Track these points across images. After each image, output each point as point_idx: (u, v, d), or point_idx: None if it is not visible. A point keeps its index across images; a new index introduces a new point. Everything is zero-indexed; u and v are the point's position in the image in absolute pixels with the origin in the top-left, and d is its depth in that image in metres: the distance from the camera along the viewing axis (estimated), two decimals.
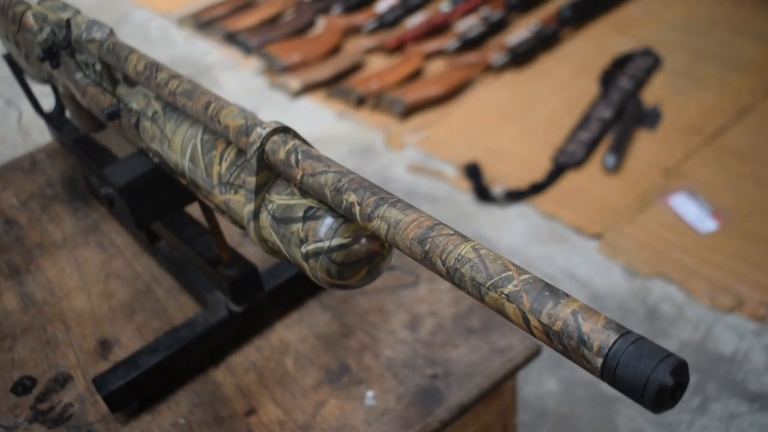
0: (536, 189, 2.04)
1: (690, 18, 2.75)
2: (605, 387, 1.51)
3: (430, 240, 0.43)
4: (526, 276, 0.40)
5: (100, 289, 1.01)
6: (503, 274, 0.40)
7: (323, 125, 2.41)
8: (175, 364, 0.86)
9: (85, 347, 0.93)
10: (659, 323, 1.63)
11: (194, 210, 0.86)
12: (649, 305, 1.67)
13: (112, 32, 0.77)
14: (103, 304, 0.99)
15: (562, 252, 1.84)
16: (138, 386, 0.83)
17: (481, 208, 2.00)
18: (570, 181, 2.07)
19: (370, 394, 0.84)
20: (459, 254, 0.42)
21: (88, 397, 0.87)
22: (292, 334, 0.92)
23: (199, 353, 0.88)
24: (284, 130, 0.56)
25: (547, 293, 0.39)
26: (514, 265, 0.41)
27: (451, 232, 0.43)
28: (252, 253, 1.01)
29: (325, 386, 0.86)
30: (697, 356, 1.56)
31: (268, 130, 0.55)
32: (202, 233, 0.88)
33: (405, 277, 0.99)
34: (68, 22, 0.82)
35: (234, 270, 0.83)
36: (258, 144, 0.55)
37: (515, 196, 2.02)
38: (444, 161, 2.19)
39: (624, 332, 0.36)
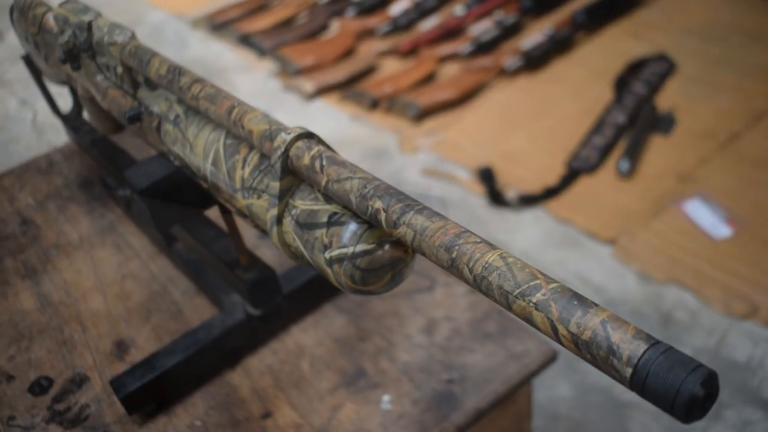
0: (550, 193, 2.04)
1: (705, 23, 2.74)
2: (619, 392, 1.51)
3: (456, 248, 0.43)
4: (554, 285, 0.40)
5: (116, 290, 1.02)
6: (531, 283, 0.40)
7: (337, 128, 2.41)
8: (192, 366, 0.86)
9: (101, 348, 0.93)
10: (673, 330, 1.62)
11: (211, 212, 0.86)
12: (663, 311, 1.66)
13: (133, 35, 0.77)
14: (120, 305, 0.99)
15: (575, 257, 1.84)
16: (155, 388, 0.83)
17: (495, 213, 2.00)
18: (584, 186, 2.06)
19: (386, 398, 0.84)
20: (486, 262, 0.42)
21: (105, 398, 0.87)
22: (308, 337, 0.92)
23: (215, 356, 0.88)
24: (308, 136, 0.56)
25: (575, 302, 0.39)
26: (542, 273, 0.41)
27: (478, 240, 0.43)
28: (268, 255, 1.01)
29: (341, 390, 0.86)
30: (711, 363, 1.55)
31: (292, 135, 0.55)
32: (220, 236, 0.89)
33: (421, 281, 0.99)
34: (90, 25, 0.82)
35: (252, 273, 0.83)
36: (282, 149, 0.56)
37: (529, 200, 2.02)
38: (457, 165, 2.19)
39: (654, 342, 0.36)
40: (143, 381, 0.82)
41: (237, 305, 0.89)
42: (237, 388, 0.87)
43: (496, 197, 2.03)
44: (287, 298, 0.90)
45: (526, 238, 1.91)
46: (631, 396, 1.47)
